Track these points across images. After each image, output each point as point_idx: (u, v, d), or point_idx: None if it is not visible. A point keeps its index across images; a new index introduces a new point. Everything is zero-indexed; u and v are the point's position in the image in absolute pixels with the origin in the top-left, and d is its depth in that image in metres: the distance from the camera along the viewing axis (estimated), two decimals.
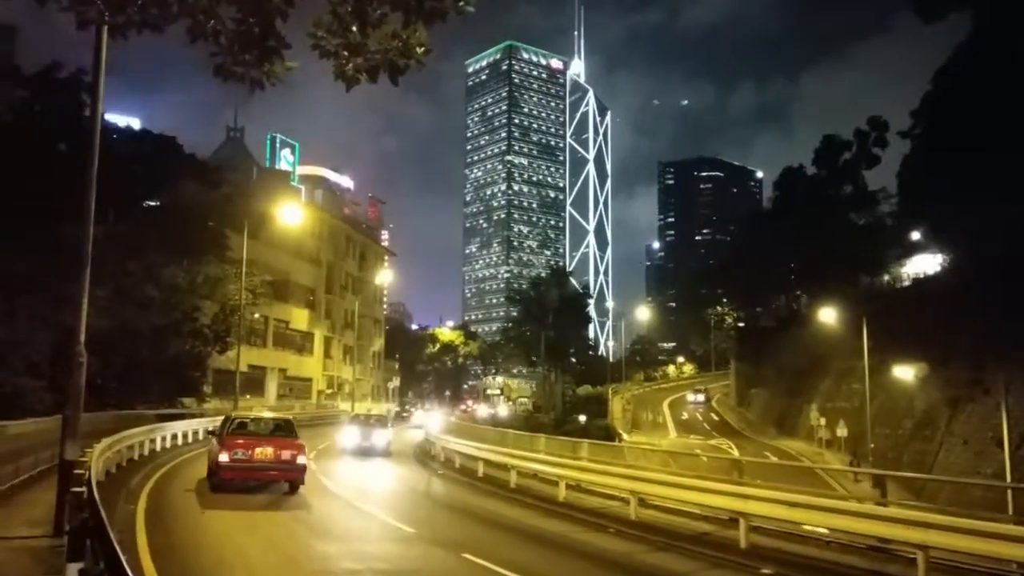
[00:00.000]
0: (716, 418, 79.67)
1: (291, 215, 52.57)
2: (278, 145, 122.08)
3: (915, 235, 62.05)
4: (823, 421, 53.87)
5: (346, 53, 5.45)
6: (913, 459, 43.25)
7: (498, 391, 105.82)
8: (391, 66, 5.54)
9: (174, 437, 31.08)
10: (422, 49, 5.50)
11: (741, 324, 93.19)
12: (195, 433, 34.22)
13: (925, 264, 60.51)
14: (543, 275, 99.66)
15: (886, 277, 69.87)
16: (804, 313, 77.50)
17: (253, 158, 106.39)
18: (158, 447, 28.46)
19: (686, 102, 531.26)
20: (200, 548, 12.85)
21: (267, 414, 26.08)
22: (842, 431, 48.73)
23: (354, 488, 22.80)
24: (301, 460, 19.18)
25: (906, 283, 64.23)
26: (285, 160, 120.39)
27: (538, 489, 23.52)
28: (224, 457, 18.68)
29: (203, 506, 17.36)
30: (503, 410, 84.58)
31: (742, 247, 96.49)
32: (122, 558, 5.65)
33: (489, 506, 20.82)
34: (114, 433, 22.53)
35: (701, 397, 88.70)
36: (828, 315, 49.56)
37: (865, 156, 72.93)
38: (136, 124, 64.13)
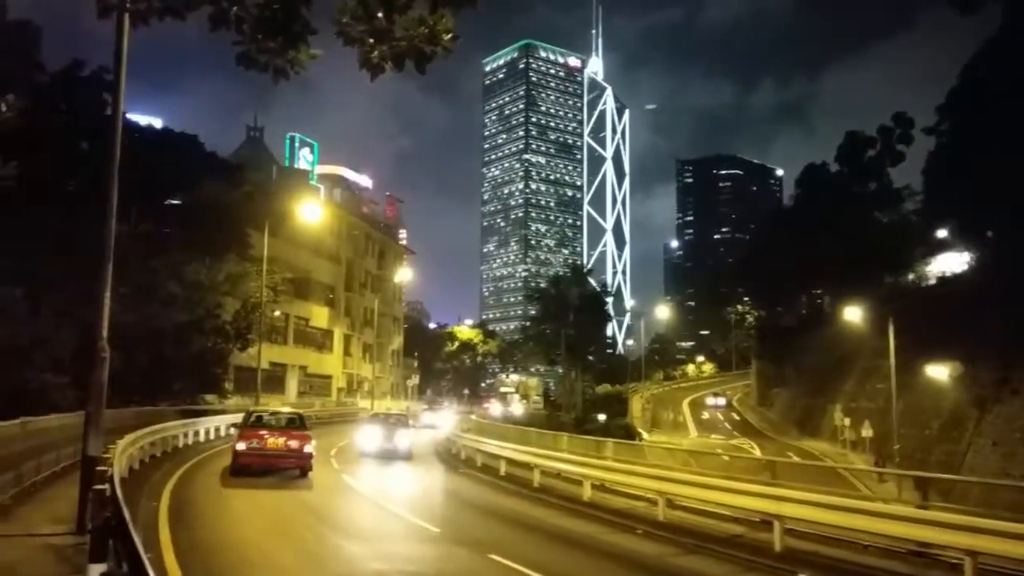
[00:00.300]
0: (737, 418, 79.02)
1: (311, 213, 52.68)
2: (297, 144, 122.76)
3: (941, 233, 61.17)
4: (847, 421, 53.21)
5: (371, 40, 5.30)
6: (940, 460, 42.54)
7: (512, 389, 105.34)
8: (417, 53, 5.37)
9: (196, 434, 31.03)
10: (449, 36, 5.33)
11: (762, 323, 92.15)
12: (217, 430, 34.17)
13: (951, 262, 59.61)
14: (562, 273, 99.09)
15: (911, 276, 68.98)
16: (827, 312, 76.77)
17: (273, 157, 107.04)
18: (180, 443, 28.43)
19: (703, 102, 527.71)
20: (224, 547, 12.64)
21: (283, 409, 28.82)
22: (867, 432, 48.04)
23: (377, 487, 22.58)
24: (308, 449, 21.56)
25: (931, 282, 63.35)
26: (304, 159, 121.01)
27: (562, 488, 23.21)
28: (241, 445, 21.24)
29: (227, 504, 17.22)
30: (518, 409, 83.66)
31: (762, 245, 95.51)
32: (145, 560, 5.41)
33: (513, 505, 20.53)
34: (136, 429, 22.42)
35: (722, 401, 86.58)
36: (853, 314, 48.88)
37: (889, 153, 72.04)
38: (158, 124, 64.47)
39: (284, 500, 18.84)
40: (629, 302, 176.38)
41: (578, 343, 75.37)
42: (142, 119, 57.67)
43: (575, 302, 75.35)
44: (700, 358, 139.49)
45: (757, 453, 50.92)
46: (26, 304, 24.37)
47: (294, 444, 21.52)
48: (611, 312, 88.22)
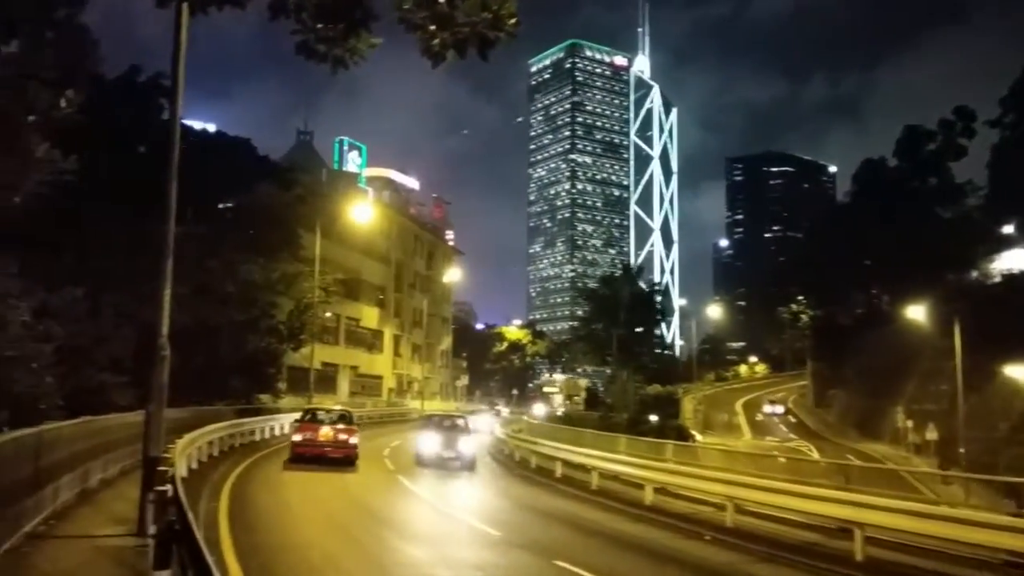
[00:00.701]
0: (793, 420, 77.55)
1: (362, 214, 53.28)
2: (345, 148, 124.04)
3: (1007, 229, 59.20)
4: (910, 424, 51.70)
5: (433, 27, 5.11)
6: (1010, 464, 40.98)
7: (556, 389, 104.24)
8: (480, 39, 5.15)
9: (252, 432, 31.11)
10: (513, 20, 5.12)
11: (817, 322, 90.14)
12: (271, 429, 34.31)
13: (1018, 260, 57.57)
14: (612, 273, 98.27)
15: (974, 274, 66.86)
16: (885, 311, 74.79)
17: (322, 160, 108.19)
18: (237, 443, 28.47)
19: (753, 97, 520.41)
20: (286, 550, 12.35)
21: (335, 407, 31.85)
22: (932, 435, 46.55)
23: (434, 489, 22.23)
24: (353, 441, 24.87)
25: (996, 280, 61.25)
26: (353, 162, 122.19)
27: (620, 491, 22.64)
28: (298, 437, 24.78)
29: (286, 505, 17.02)
30: (561, 409, 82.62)
31: (817, 243, 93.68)
32: (213, 569, 5.05)
33: (572, 509, 20.02)
34: (195, 428, 22.51)
35: (779, 409, 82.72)
36: (917, 313, 47.36)
37: (951, 147, 70.02)
38: (212, 129, 65.16)
39: (342, 502, 18.64)
40: (679, 302, 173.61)
41: (629, 343, 74.55)
42: (196, 124, 58.31)
43: (626, 301, 74.45)
44: (752, 358, 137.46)
45: (815, 456, 49.74)
46: (87, 303, 24.41)
47: (342, 437, 24.68)
48: (662, 311, 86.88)
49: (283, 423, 35.80)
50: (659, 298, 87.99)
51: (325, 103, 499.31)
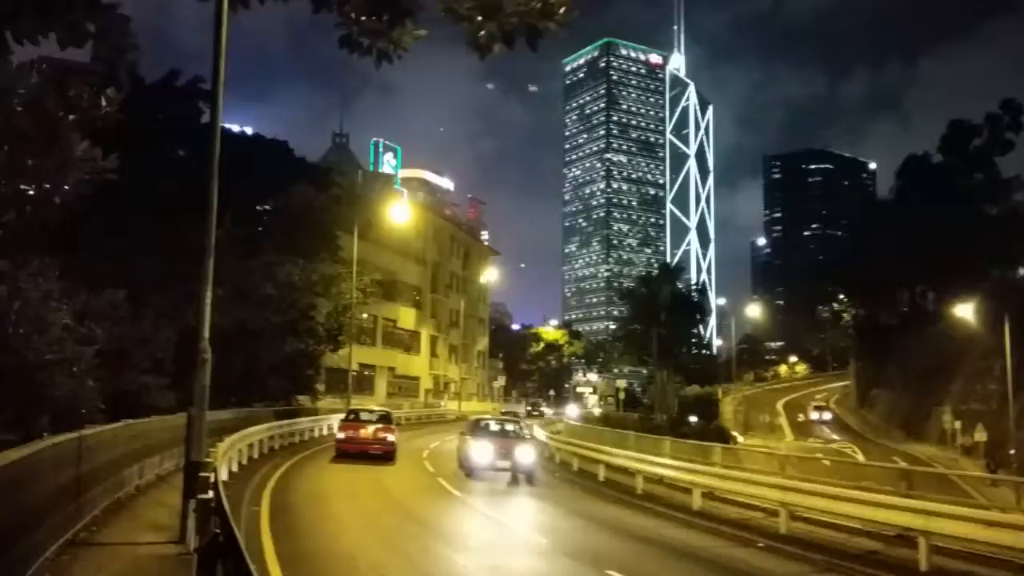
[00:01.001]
0: (835, 420, 76.15)
1: (400, 214, 53.41)
2: (381, 149, 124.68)
3: None
4: (958, 425, 50.46)
5: (480, 17, 4.88)
6: None
7: (590, 389, 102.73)
8: (529, 30, 4.89)
9: (291, 435, 31.00)
10: (564, 9, 4.87)
11: (860, 321, 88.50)
12: (311, 431, 34.23)
13: None
14: (652, 272, 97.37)
15: (1022, 271, 65.23)
16: (931, 309, 73.26)
17: (358, 162, 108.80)
18: (277, 445, 28.43)
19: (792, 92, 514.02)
20: (330, 558, 12.06)
21: (375, 408, 33.78)
22: (980, 436, 45.31)
23: (477, 493, 21.84)
24: (391, 438, 26.88)
25: None
26: (388, 164, 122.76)
27: (666, 496, 22.09)
28: (341, 435, 26.86)
29: (328, 510, 16.77)
30: (596, 410, 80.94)
31: (860, 240, 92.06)
32: None
33: (618, 514, 19.49)
34: (235, 431, 22.39)
35: (827, 415, 78.21)
36: (964, 311, 46.15)
37: (997, 141, 68.43)
38: (249, 131, 65.59)
39: (384, 506, 18.41)
40: (718, 301, 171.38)
41: (670, 343, 73.69)
42: (233, 126, 58.66)
43: (666, 301, 73.58)
44: (792, 358, 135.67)
45: (860, 458, 48.76)
46: (128, 306, 24.44)
47: (381, 435, 26.72)
48: (702, 310, 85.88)
49: (323, 426, 35.80)
50: (698, 297, 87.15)
51: (360, 106, 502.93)
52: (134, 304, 23.56)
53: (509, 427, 27.08)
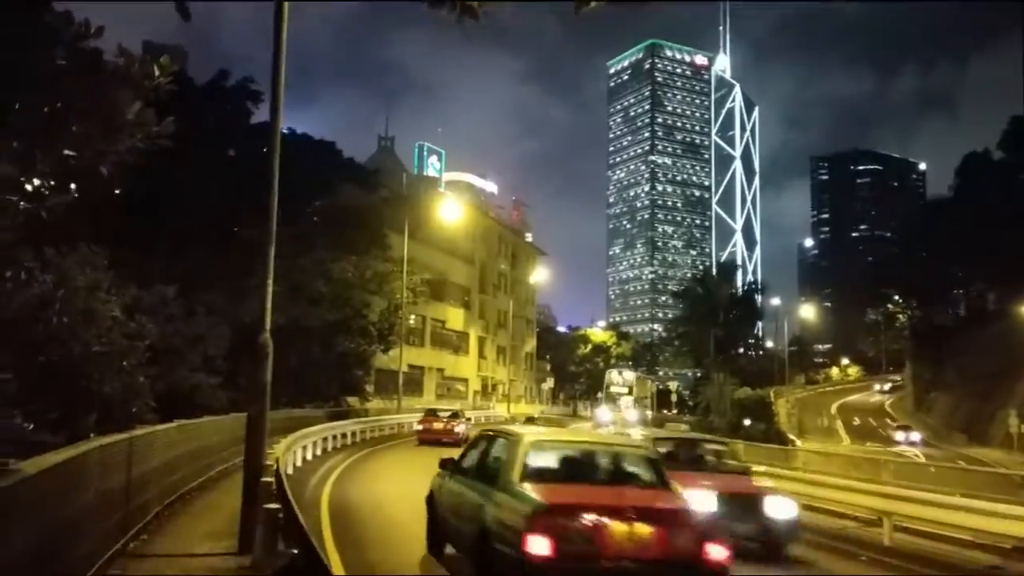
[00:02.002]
0: (893, 424, 74.09)
1: (449, 211, 53.34)
2: (425, 153, 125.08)
3: None
4: None
5: None
6: None
7: (626, 390, 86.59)
8: None
9: (344, 436, 30.74)
10: None
11: (916, 322, 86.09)
12: (362, 432, 33.98)
13: None
14: (698, 273, 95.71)
15: None
16: (992, 310, 71.03)
17: (403, 165, 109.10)
18: (329, 447, 27.99)
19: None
20: (400, 568, 11.33)
21: (445, 406, 42.59)
22: None
23: None
24: (458, 429, 32.86)
25: None
26: (432, 167, 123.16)
27: None
28: (419, 427, 34.23)
29: (392, 517, 15.78)
30: (632, 415, 66.23)
31: (914, 239, 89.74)
32: None
33: None
34: (287, 432, 21.87)
35: (915, 436, 65.12)
36: None
37: None
38: (297, 130, 65.90)
39: None
40: (774, 301, 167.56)
41: (727, 344, 71.88)
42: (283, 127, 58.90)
43: (725, 300, 71.84)
44: (844, 361, 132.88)
45: (922, 460, 47.20)
46: (178, 302, 24.03)
47: (450, 426, 33.35)
48: (760, 310, 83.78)
49: (376, 426, 35.94)
50: (760, 297, 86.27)
51: (403, 107, 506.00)
52: (185, 300, 23.04)
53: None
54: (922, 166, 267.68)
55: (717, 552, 7.25)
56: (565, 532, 6.91)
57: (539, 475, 8.20)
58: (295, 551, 7.05)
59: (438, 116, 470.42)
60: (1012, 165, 70.24)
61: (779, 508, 12.81)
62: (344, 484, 19.31)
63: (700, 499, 10.34)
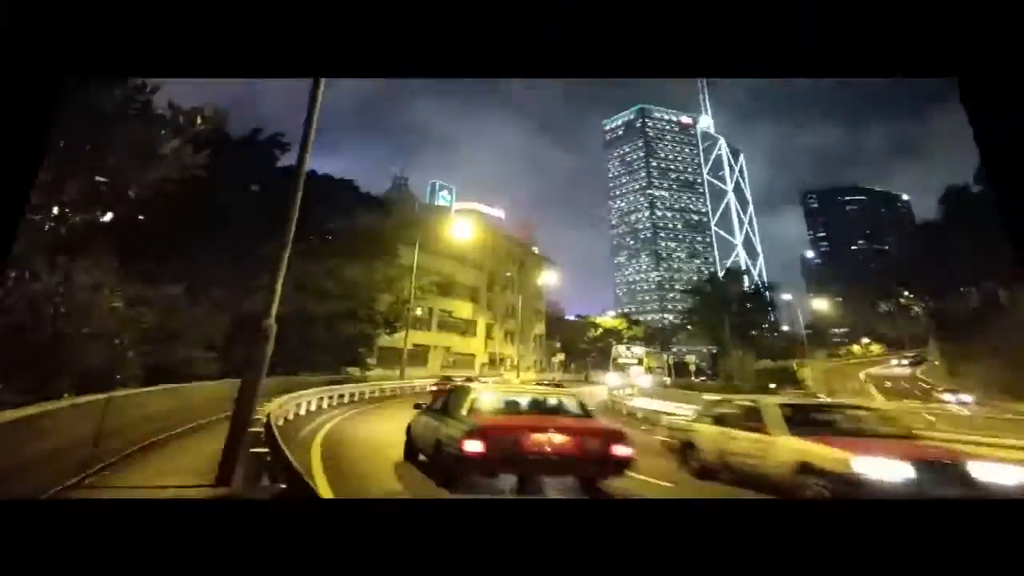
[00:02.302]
0: (926, 386, 73.28)
1: (461, 228, 54.52)
2: (437, 189, 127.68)
3: None
4: None
5: None
6: None
7: (635, 361, 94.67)
8: None
9: (341, 397, 30.48)
10: None
11: (932, 312, 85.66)
12: (361, 393, 34.12)
13: None
14: (716, 274, 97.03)
15: None
16: (1004, 306, 70.16)
17: (416, 198, 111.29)
18: (325, 404, 27.53)
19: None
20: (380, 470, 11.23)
21: (460, 374, 42.83)
22: None
23: None
24: None
25: None
26: (443, 199, 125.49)
27: None
28: (433, 388, 31.60)
29: (378, 450, 14.93)
30: (644, 380, 72.21)
31: (933, 233, 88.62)
32: None
33: None
34: (281, 395, 21.53)
35: (966, 397, 61.46)
36: None
37: None
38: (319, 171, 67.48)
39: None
40: (785, 297, 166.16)
41: (743, 328, 72.03)
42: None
43: (736, 297, 72.40)
44: (865, 340, 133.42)
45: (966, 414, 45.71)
46: (185, 298, 23.98)
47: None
48: (772, 303, 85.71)
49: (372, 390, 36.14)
50: (769, 293, 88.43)
51: (419, 159, 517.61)
52: (192, 296, 23.93)
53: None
54: (905, 196, 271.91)
55: (621, 450, 10.22)
56: (492, 440, 9.75)
57: (480, 410, 11.15)
58: (283, 486, 7.35)
59: (449, 165, 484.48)
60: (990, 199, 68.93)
61: (991, 473, 9.86)
62: (337, 433, 18.59)
63: (894, 470, 8.94)
